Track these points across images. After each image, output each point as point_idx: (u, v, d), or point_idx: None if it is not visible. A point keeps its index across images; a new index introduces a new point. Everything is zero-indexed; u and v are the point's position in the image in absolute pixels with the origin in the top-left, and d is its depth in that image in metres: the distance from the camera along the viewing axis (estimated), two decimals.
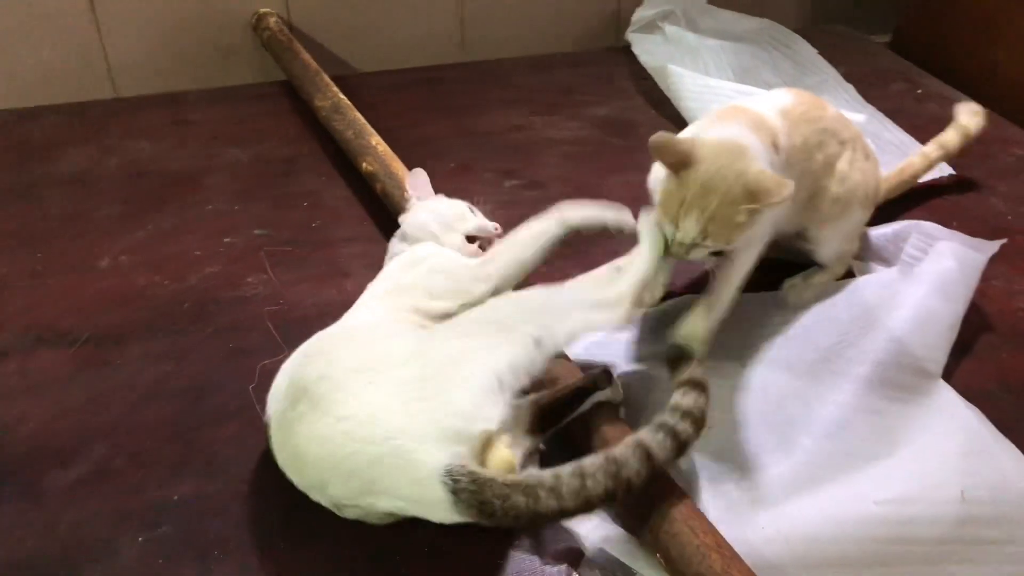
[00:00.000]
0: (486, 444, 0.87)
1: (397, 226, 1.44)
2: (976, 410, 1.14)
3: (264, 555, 0.96)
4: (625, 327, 1.07)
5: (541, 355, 0.95)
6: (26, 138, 1.76)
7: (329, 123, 1.72)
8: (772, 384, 1.19)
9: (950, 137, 1.55)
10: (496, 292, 1.12)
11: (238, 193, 1.61)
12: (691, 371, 1.03)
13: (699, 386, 1.00)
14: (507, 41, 2.27)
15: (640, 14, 2.14)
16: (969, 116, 1.56)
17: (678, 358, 1.08)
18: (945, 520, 1.00)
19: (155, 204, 1.57)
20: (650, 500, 0.94)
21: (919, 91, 1.99)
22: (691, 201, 1.03)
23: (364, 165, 1.56)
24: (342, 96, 1.77)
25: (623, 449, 0.89)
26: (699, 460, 1.08)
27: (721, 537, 0.93)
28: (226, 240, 1.48)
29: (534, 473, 0.85)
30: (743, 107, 1.20)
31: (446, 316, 1.08)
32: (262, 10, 2.07)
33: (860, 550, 0.97)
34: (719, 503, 1.02)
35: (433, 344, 0.96)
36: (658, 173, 1.13)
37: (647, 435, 0.91)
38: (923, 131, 1.78)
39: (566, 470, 0.85)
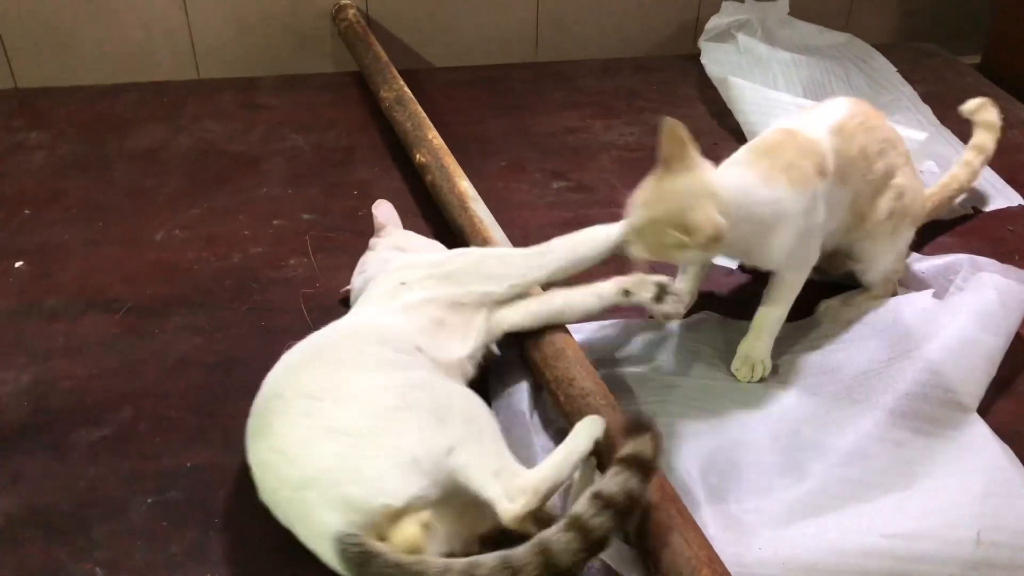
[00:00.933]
0: (392, 518, 0.86)
1: (442, 219, 1.48)
2: (1008, 450, 1.09)
3: (263, 528, 0.99)
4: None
5: (445, 465, 0.89)
6: (106, 113, 1.86)
7: (391, 113, 1.76)
8: (790, 407, 1.17)
9: (983, 138, 1.50)
10: (548, 283, 1.14)
11: (294, 178, 1.66)
12: (638, 445, 0.90)
13: (638, 465, 0.88)
14: (583, 45, 2.26)
15: (715, 22, 2.10)
16: (985, 110, 1.51)
17: (636, 427, 0.92)
18: (956, 561, 0.96)
19: (215, 183, 1.63)
20: (647, 507, 0.93)
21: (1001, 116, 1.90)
22: (646, 198, 1.06)
23: (418, 157, 1.59)
24: (407, 89, 1.80)
25: (523, 551, 0.83)
26: (704, 476, 1.07)
27: (715, 553, 0.91)
28: (275, 222, 1.53)
29: (425, 559, 0.83)
30: (791, 133, 1.18)
31: (484, 303, 1.12)
32: (342, 1, 2.12)
33: None
34: (719, 520, 1.00)
35: (383, 396, 0.93)
36: None
37: (554, 534, 0.83)
38: (998, 157, 1.71)
39: (459, 564, 0.82)
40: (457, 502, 0.90)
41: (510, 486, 0.90)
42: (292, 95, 1.95)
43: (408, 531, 0.85)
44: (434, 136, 1.63)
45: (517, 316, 1.15)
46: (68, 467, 1.07)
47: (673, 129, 1.07)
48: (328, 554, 0.86)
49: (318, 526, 0.87)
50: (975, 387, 1.15)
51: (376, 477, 0.86)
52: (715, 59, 2.01)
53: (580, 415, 1.04)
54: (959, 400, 1.13)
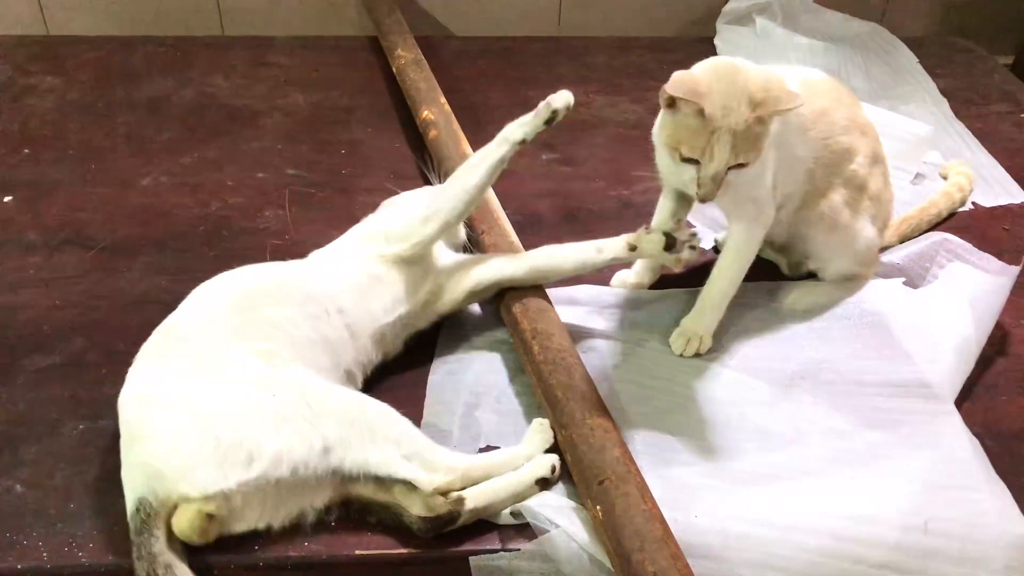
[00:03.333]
0: (186, 501, 0.88)
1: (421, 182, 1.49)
2: (977, 444, 1.06)
3: None
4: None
5: (322, 463, 0.91)
6: (121, 63, 1.90)
7: (404, 72, 1.76)
8: (738, 389, 1.14)
9: (960, 180, 1.50)
10: (448, 225, 1.14)
11: (286, 134, 1.68)
12: None
13: None
14: (606, 22, 2.24)
15: (733, 5, 2.06)
16: (958, 173, 1.52)
17: None
18: (902, 547, 0.94)
19: (209, 135, 1.66)
20: (608, 460, 0.95)
21: None
22: (721, 126, 1.01)
23: (425, 113, 1.60)
24: (424, 58, 1.82)
25: None
26: (648, 443, 1.05)
27: (662, 513, 0.92)
28: (259, 175, 1.55)
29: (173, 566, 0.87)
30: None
31: (408, 259, 1.13)
32: None
33: (796, 557, 0.93)
34: (660, 484, 0.98)
35: (254, 390, 0.95)
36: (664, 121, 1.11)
37: None
38: (1011, 156, 1.66)
39: None
40: (294, 485, 0.92)
41: (432, 463, 0.95)
42: (302, 55, 1.97)
43: (183, 520, 0.88)
44: (444, 102, 1.65)
45: (509, 268, 1.17)
46: (11, 390, 1.10)
47: (675, 84, 1.03)
48: (128, 503, 0.90)
49: (130, 477, 0.91)
50: (950, 379, 1.12)
51: (193, 464, 0.89)
52: (729, 41, 1.98)
53: (553, 365, 1.07)
54: (934, 393, 1.10)
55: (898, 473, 1.02)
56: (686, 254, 1.12)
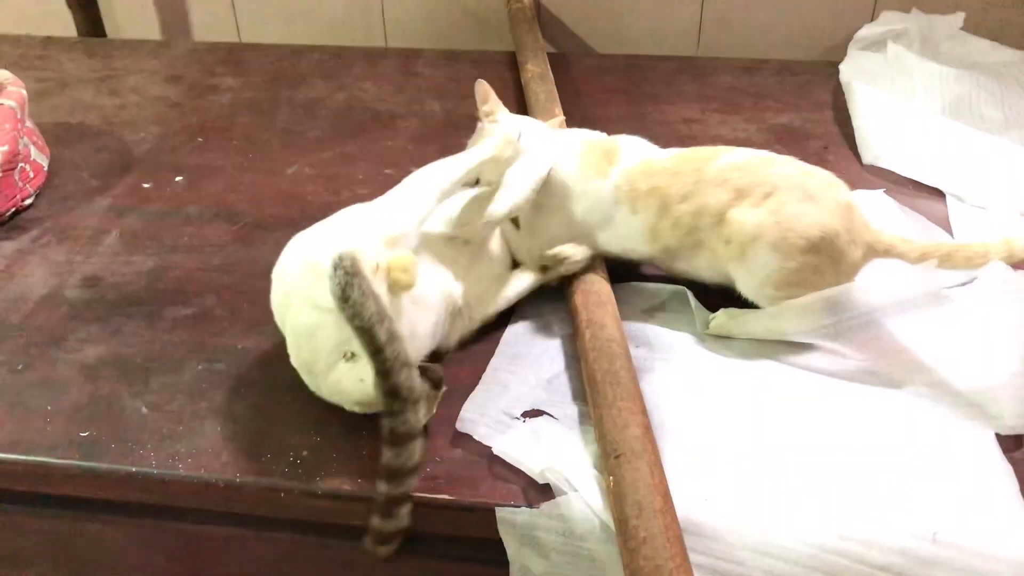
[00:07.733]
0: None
1: None
2: (1010, 468, 1.06)
3: (276, 404, 1.20)
4: None
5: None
6: (289, 68, 2.16)
7: (529, 85, 1.91)
8: (797, 385, 1.18)
9: None
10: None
11: (418, 137, 1.86)
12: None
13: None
14: (746, 45, 2.29)
15: (867, 31, 2.05)
16: None
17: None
18: (909, 553, 0.96)
19: (352, 133, 1.87)
20: (627, 438, 1.03)
21: None
22: None
23: None
24: (550, 71, 1.96)
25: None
26: (680, 430, 1.11)
27: (668, 489, 0.99)
28: (386, 171, 1.73)
29: (384, 308, 0.98)
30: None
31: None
32: None
33: (795, 549, 0.97)
34: (680, 468, 1.04)
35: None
36: None
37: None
38: None
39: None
40: None
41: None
42: (445, 67, 2.16)
43: (405, 257, 1.07)
44: (559, 112, 1.77)
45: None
46: (152, 332, 1.33)
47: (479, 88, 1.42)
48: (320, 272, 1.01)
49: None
50: (995, 397, 1.12)
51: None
52: (855, 66, 1.97)
53: (598, 352, 1.16)
54: (978, 414, 1.12)
55: (919, 485, 1.04)
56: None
